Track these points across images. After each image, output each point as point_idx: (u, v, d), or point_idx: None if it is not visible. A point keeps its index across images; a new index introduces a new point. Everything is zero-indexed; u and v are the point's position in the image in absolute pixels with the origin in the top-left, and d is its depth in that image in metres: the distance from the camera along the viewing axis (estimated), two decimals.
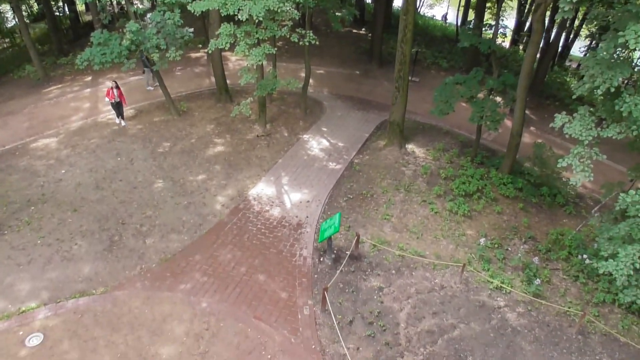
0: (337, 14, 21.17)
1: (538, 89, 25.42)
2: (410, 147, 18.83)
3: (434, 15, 44.17)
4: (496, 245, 14.26)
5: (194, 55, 27.28)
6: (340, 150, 18.78)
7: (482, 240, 14.28)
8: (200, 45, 28.04)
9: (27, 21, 32.12)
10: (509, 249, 14.34)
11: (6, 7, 32.21)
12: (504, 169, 16.87)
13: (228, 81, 21.80)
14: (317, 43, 16.54)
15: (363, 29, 33.38)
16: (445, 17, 40.65)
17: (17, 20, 26.41)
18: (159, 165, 17.04)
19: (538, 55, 23.35)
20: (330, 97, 23.43)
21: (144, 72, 22.81)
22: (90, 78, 24.36)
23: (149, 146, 18.08)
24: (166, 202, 15.30)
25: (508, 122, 19.92)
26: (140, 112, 20.42)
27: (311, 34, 16.27)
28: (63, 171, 16.50)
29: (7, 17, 34.07)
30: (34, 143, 18.20)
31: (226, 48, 15.15)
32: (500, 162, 17.30)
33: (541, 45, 23.68)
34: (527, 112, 21.06)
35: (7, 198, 15.03)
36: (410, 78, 19.79)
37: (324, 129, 20.27)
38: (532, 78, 20.47)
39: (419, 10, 41.06)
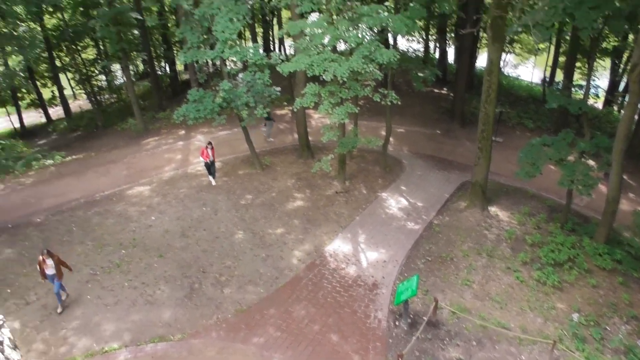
0: (419, 74, 21.41)
1: (636, 152, 23.77)
2: (493, 209, 18.10)
3: (519, 75, 43.33)
4: (592, 323, 13.00)
5: (279, 112, 28.54)
6: (420, 210, 18.43)
7: (575, 315, 13.11)
8: (285, 103, 29.35)
9: (133, 79, 35.42)
10: (608, 328, 13.01)
11: (117, 67, 35.87)
12: (598, 238, 15.64)
13: (310, 138, 22.47)
14: (399, 103, 16.71)
15: (445, 89, 33.40)
16: (545, 80, 37.19)
17: (125, 78, 29.26)
18: (240, 216, 17.61)
19: (636, 117, 22.01)
20: (410, 155, 23.34)
21: (265, 125, 24.30)
22: (183, 132, 26.13)
23: (232, 198, 18.81)
24: (245, 253, 15.65)
25: (602, 187, 18.66)
26: (226, 165, 21.45)
27: (393, 94, 16.51)
28: (153, 218, 17.51)
29: (116, 76, 37.85)
30: (130, 190, 19.57)
31: (310, 106, 15.72)
32: (594, 230, 16.08)
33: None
34: (624, 176, 19.67)
35: (102, 240, 16.12)
36: (493, 138, 19.33)
37: (403, 188, 20.08)
38: (630, 141, 19.22)
39: (502, 70, 40.52)
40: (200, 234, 16.58)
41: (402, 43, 39.70)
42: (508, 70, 43.48)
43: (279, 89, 19.03)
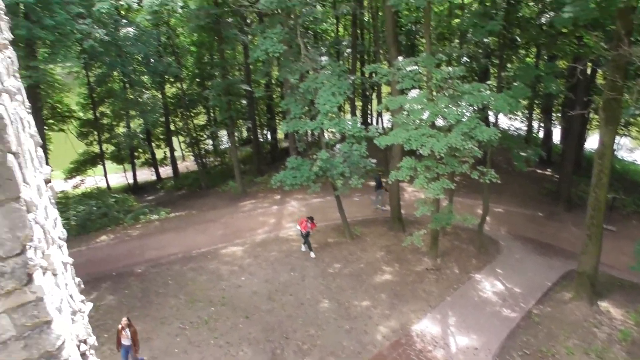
0: (521, 153, 20.67)
1: None
2: (604, 305, 16.34)
3: (635, 160, 40.34)
4: None
5: (373, 183, 28.72)
6: (517, 296, 17.14)
7: None
8: (380, 174, 29.54)
9: (237, 145, 37.81)
10: None
11: (223, 133, 38.65)
12: None
13: (402, 211, 22.20)
14: (498, 181, 16.14)
15: (549, 170, 31.84)
16: None
17: (229, 143, 31.39)
18: (327, 285, 17.47)
19: None
20: (508, 237, 22.12)
21: (376, 193, 24.77)
22: (279, 197, 27.04)
23: (320, 265, 18.81)
24: (329, 323, 15.34)
25: None
26: (317, 232, 21.68)
27: (492, 172, 16.01)
28: (243, 278, 17.91)
29: (222, 141, 40.71)
30: (224, 249, 20.32)
31: (405, 180, 15.65)
32: None
33: None
34: None
35: (194, 296, 16.68)
36: (604, 226, 17.79)
37: (499, 271, 18.90)
38: None
39: (616, 153, 38.00)
40: (286, 298, 16.60)
41: (504, 121, 38.94)
42: (623, 154, 40.73)
43: (374, 160, 19.28)
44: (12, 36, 5.46)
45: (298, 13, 20.11)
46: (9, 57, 6.15)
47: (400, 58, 17.59)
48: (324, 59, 21.22)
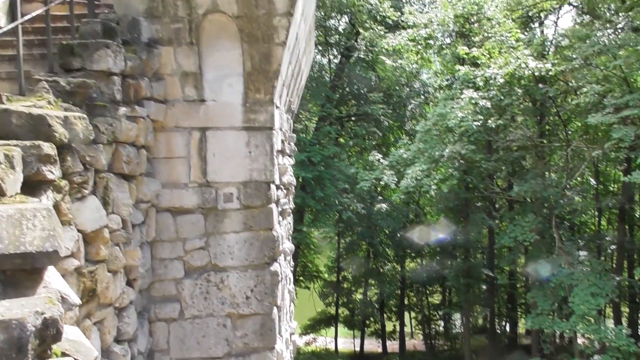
0: None
1: None
2: None
3: None
4: None
5: None
6: None
7: None
8: None
9: (470, 332, 35.19)
10: None
11: (457, 316, 36.71)
12: None
13: None
14: None
15: None
16: None
17: (462, 328, 29.42)
18: None
19: None
20: None
21: None
22: None
23: None
24: None
25: None
26: None
27: None
28: None
29: (455, 324, 38.55)
30: None
31: None
32: None
33: None
34: None
35: None
36: None
37: None
38: None
39: None
40: None
41: None
42: None
43: None
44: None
45: (554, 203, 19.12)
46: (289, 223, 7.11)
47: None
48: (582, 253, 19.14)
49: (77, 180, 4.40)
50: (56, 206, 3.84)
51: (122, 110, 5.30)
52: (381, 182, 25.69)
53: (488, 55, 17.64)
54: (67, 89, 4.71)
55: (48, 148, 3.66)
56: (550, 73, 16.05)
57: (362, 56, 26.17)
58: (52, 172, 3.71)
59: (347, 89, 28.62)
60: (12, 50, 5.39)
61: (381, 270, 31.80)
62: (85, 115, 4.49)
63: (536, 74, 16.15)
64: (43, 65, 5.35)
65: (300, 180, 22.73)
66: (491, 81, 16.78)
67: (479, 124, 17.33)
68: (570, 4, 22.37)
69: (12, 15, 6.88)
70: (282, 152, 8.20)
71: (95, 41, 5.27)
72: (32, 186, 3.59)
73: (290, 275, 6.26)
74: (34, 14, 5.13)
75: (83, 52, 5.17)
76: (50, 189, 3.80)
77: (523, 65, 15.88)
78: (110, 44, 5.29)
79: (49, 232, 2.76)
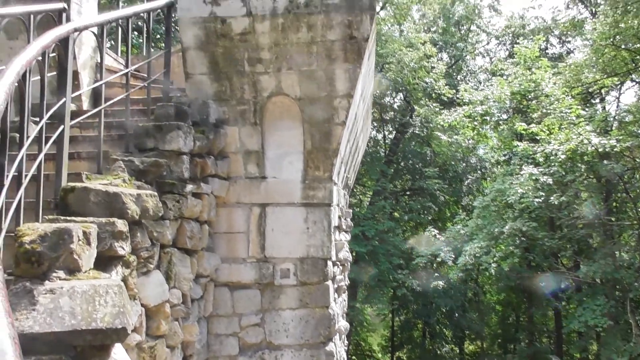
0: None
1: None
2: None
3: None
4: None
5: None
6: None
7: None
8: None
9: None
10: None
11: None
12: None
13: None
14: None
15: None
16: None
17: None
18: None
19: None
20: None
21: None
22: None
23: None
24: None
25: None
26: None
27: None
28: None
29: None
30: None
31: None
32: None
33: None
34: None
35: None
36: None
37: None
38: None
39: None
40: None
41: None
42: None
43: None
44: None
45: (627, 285, 17.77)
46: (344, 300, 7.02)
47: None
48: None
49: (144, 255, 4.56)
50: (124, 281, 3.97)
51: (189, 187, 5.53)
52: (438, 259, 24.96)
53: (548, 131, 17.36)
54: (140, 167, 5.01)
55: (121, 225, 3.86)
56: (615, 149, 15.49)
57: (417, 132, 26.43)
58: (123, 248, 3.88)
59: (402, 164, 28.74)
60: (93, 132, 5.83)
61: (438, 352, 30.09)
62: (155, 193, 4.73)
63: (600, 150, 15.62)
64: (120, 145, 5.74)
65: (354, 254, 22.48)
66: (552, 157, 16.38)
67: (541, 201, 16.76)
68: (632, 80, 21.96)
69: (94, 98, 7.57)
70: (339, 227, 8.21)
71: (168, 123, 5.64)
72: (104, 261, 3.75)
73: (344, 355, 6.05)
74: (116, 99, 5.62)
75: (157, 133, 5.54)
76: (120, 264, 3.95)
77: (585, 141, 15.46)
78: (181, 125, 5.65)
79: (119, 308, 2.85)
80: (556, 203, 16.99)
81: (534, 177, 16.60)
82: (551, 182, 16.62)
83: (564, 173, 17.13)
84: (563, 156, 16.02)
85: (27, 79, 3.50)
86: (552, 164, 16.82)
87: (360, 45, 6.36)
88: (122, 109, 5.97)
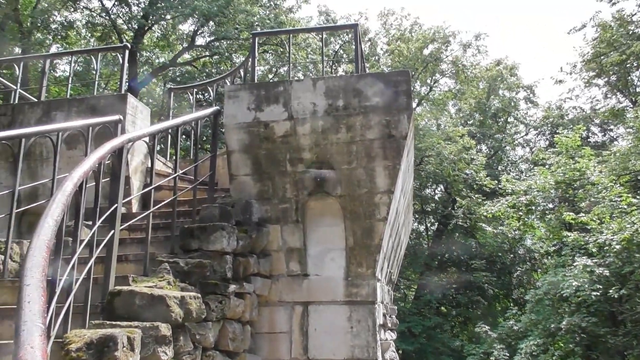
0: None
1: None
2: None
3: None
4: None
5: None
6: None
7: None
8: None
9: None
10: None
11: None
12: None
13: None
14: None
15: None
16: None
17: None
18: None
19: None
20: None
21: None
22: None
23: None
24: None
25: None
26: None
27: None
28: None
29: None
30: None
31: None
32: None
33: None
34: None
35: None
36: None
37: None
38: None
39: None
40: None
41: None
42: None
43: None
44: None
45: None
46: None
47: None
48: None
49: None
50: None
51: (232, 287, 5.52)
52: (491, 357, 23.32)
53: (599, 221, 16.68)
54: (185, 269, 5.09)
55: (165, 329, 3.85)
56: None
57: (460, 223, 25.96)
58: (166, 353, 3.83)
59: (447, 256, 27.97)
60: (140, 234, 6.02)
61: None
62: (199, 295, 4.74)
63: None
64: (165, 246, 5.89)
65: (400, 352, 21.30)
66: (606, 247, 15.58)
67: (599, 294, 15.71)
68: None
69: (142, 201, 7.89)
70: (384, 326, 7.89)
71: (212, 224, 5.77)
72: None
73: None
74: (164, 203, 5.85)
75: (201, 234, 5.66)
76: None
77: None
78: (225, 225, 5.77)
79: None
80: (616, 296, 15.90)
81: (588, 269, 15.72)
82: (608, 274, 15.67)
83: (620, 264, 16.17)
84: (618, 246, 15.22)
85: (83, 188, 3.73)
86: (607, 255, 15.96)
87: (399, 143, 6.50)
88: (170, 210, 6.19)
